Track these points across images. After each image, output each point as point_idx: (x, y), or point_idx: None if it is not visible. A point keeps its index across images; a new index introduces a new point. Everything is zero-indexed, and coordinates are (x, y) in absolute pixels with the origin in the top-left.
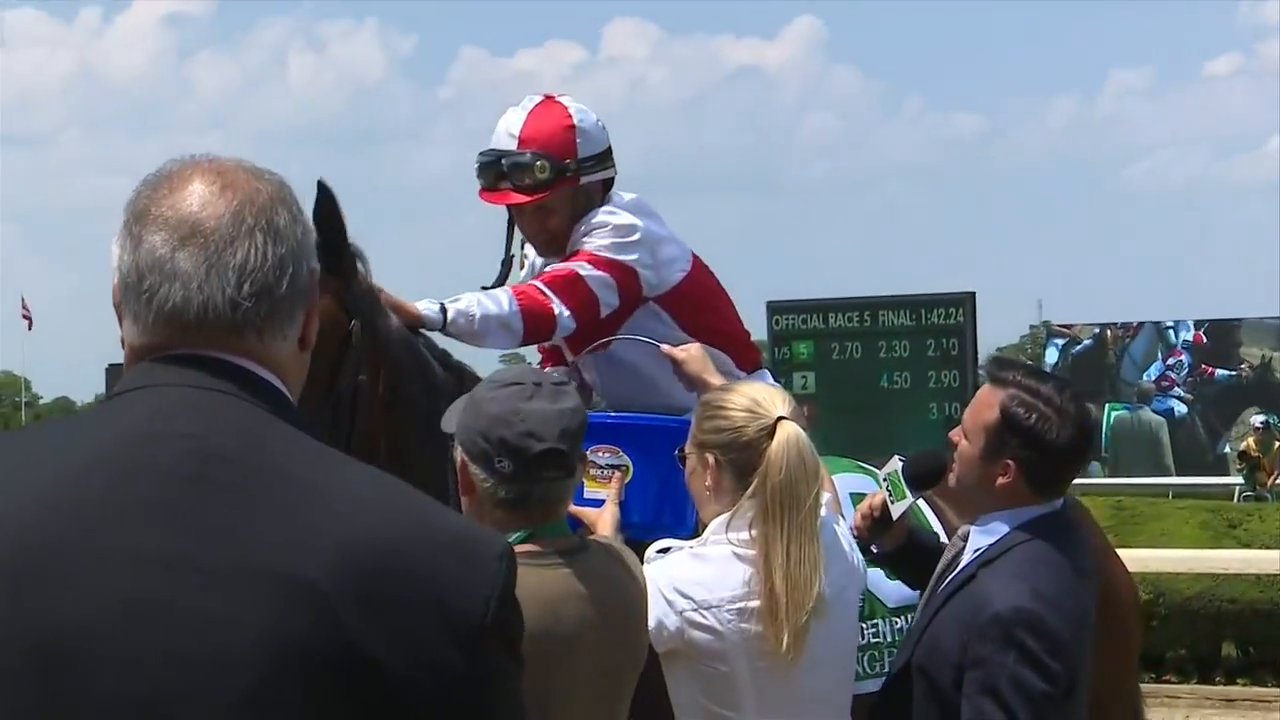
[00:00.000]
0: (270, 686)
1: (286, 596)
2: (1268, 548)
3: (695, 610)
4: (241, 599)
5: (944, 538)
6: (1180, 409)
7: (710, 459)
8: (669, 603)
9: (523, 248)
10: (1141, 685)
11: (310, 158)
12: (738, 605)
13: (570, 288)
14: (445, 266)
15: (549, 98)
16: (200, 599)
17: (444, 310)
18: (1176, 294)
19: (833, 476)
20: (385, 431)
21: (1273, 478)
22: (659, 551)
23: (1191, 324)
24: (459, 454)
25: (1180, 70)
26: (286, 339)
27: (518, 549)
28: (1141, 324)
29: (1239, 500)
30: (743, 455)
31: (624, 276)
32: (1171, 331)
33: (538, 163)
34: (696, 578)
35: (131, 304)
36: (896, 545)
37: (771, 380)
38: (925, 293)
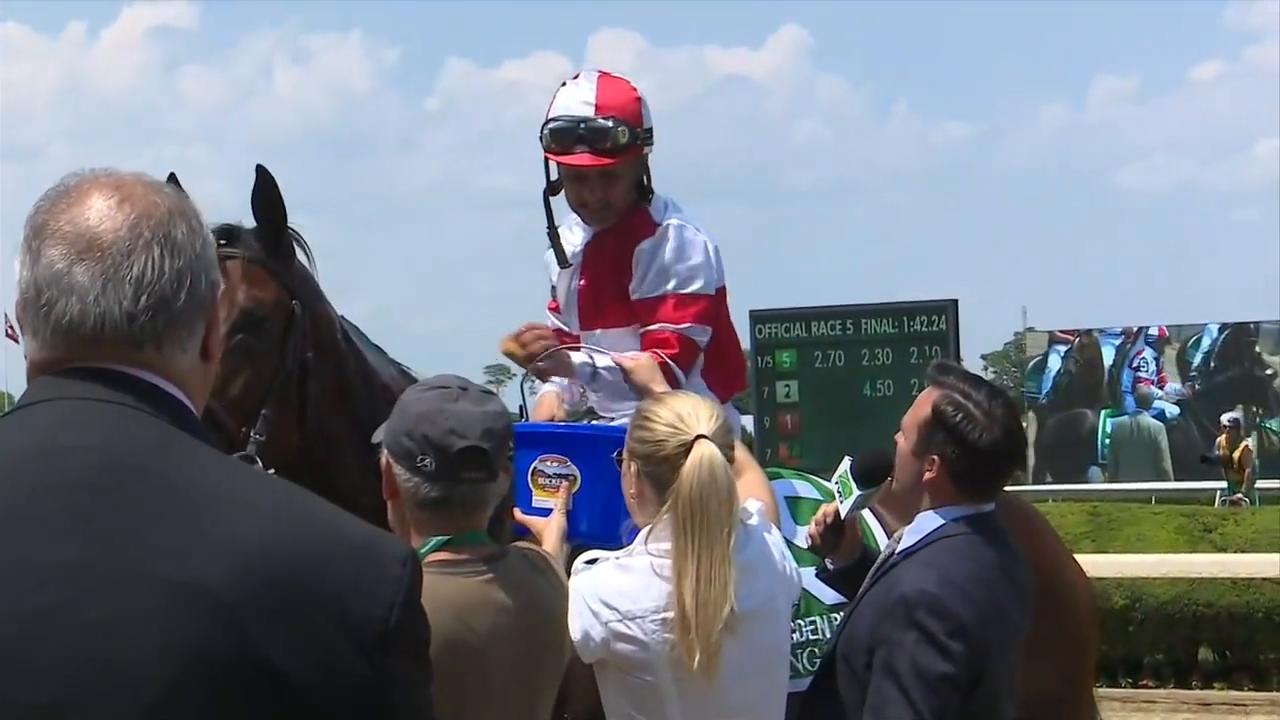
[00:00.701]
0: (174, 695)
1: (189, 605)
2: (1243, 551)
3: (620, 621)
4: (144, 608)
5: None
6: (1172, 411)
7: (633, 468)
8: (594, 614)
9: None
10: (1118, 690)
11: (298, 168)
12: (660, 616)
13: (687, 354)
14: (433, 274)
15: (605, 73)
16: (103, 608)
17: (593, 365)
18: (1162, 299)
19: (772, 484)
20: (336, 408)
21: (1246, 477)
22: (586, 563)
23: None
24: (384, 457)
25: (1166, 76)
26: (186, 351)
27: (434, 557)
28: (1141, 329)
29: (1220, 504)
30: (660, 469)
31: (709, 310)
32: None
33: (619, 128)
34: (621, 588)
35: (31, 319)
36: (849, 562)
37: (736, 415)
38: (908, 300)
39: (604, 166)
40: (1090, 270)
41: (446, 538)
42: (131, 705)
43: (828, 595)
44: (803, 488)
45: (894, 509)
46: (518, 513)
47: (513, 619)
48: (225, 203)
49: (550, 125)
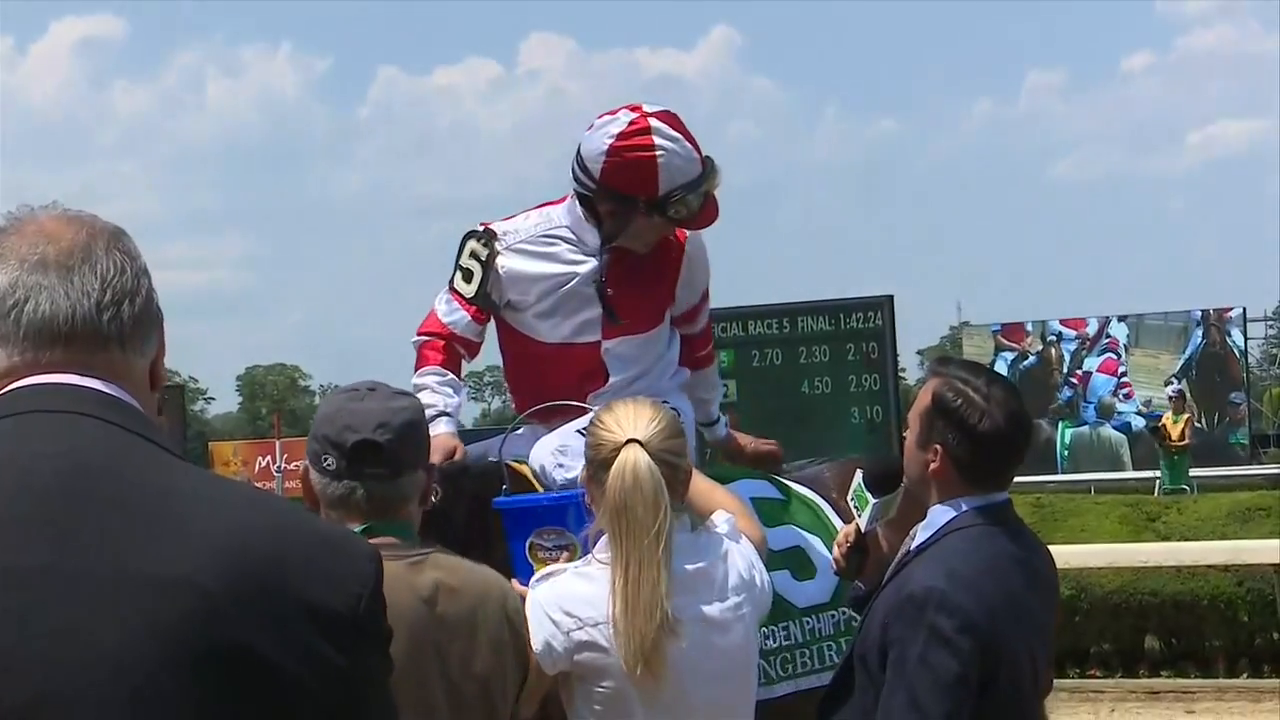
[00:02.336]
0: (157, 684)
1: (171, 598)
2: (1187, 539)
3: (581, 629)
4: (123, 603)
5: None
6: (1138, 423)
7: (587, 474)
8: (555, 623)
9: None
10: (1066, 680)
11: (230, 179)
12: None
13: None
14: (367, 283)
15: (641, 110)
16: (78, 607)
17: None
18: (1097, 291)
19: (733, 484)
20: None
21: (1180, 440)
22: (540, 578)
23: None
24: (304, 465)
25: (1097, 68)
26: (143, 357)
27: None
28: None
29: (1159, 494)
30: (600, 474)
31: None
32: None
33: (716, 165)
34: (582, 595)
35: (0, 327)
36: (876, 583)
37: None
38: (843, 297)
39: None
40: (1024, 263)
41: (366, 525)
42: (114, 694)
43: (800, 598)
44: (762, 488)
45: (910, 510)
46: (517, 584)
47: (431, 606)
48: (159, 215)
49: (687, 199)
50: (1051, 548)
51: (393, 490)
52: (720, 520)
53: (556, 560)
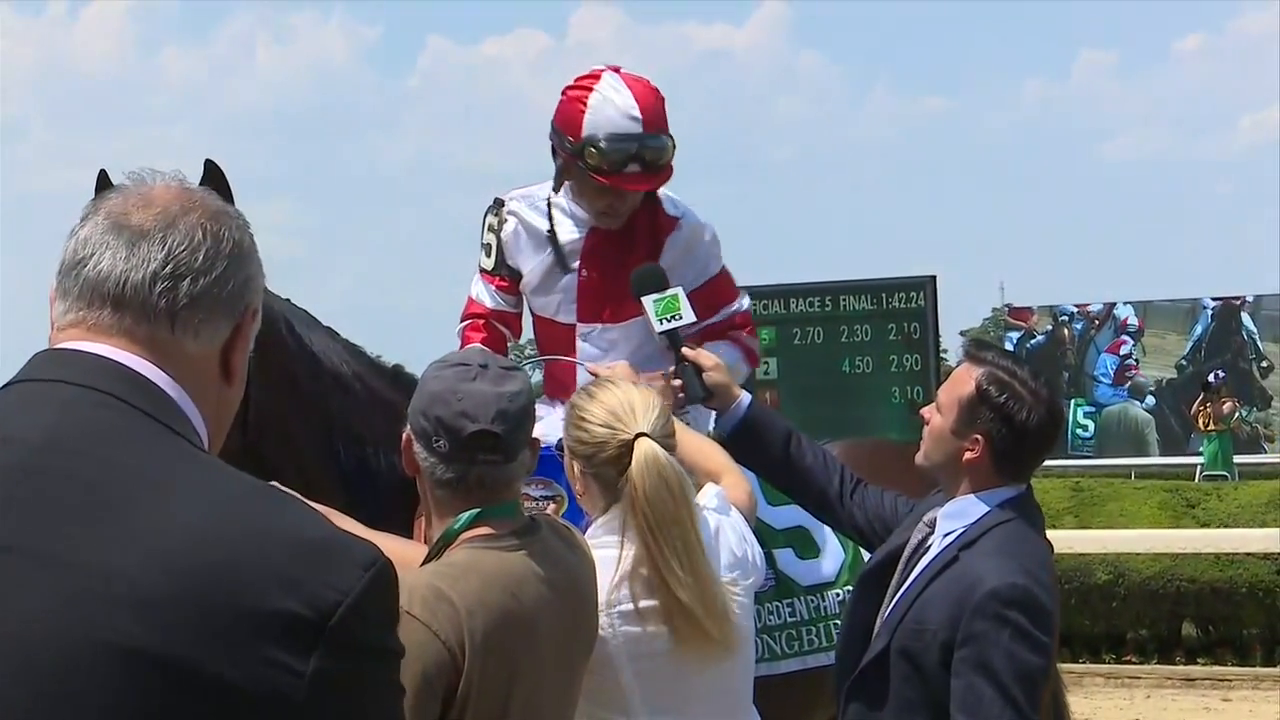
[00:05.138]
0: (79, 681)
1: (102, 593)
2: (1226, 526)
3: None
4: (54, 594)
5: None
6: (1149, 401)
7: (576, 467)
8: None
9: (497, 226)
10: (1102, 665)
11: (278, 147)
12: (617, 609)
13: (752, 325)
14: (414, 253)
15: (625, 74)
16: (14, 593)
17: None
18: (1143, 275)
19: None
20: (277, 409)
21: (1208, 423)
22: None
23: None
24: (406, 432)
25: (1149, 49)
26: (198, 338)
27: (471, 532)
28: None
29: (1199, 480)
30: (605, 470)
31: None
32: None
33: (670, 144)
34: None
35: (63, 281)
36: (733, 423)
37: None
38: (886, 277)
39: (657, 186)
40: (1069, 245)
41: (477, 511)
42: (36, 688)
43: (804, 576)
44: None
45: (909, 483)
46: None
47: (553, 590)
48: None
49: (600, 145)
50: (1090, 532)
51: (504, 474)
52: (708, 495)
53: (543, 510)
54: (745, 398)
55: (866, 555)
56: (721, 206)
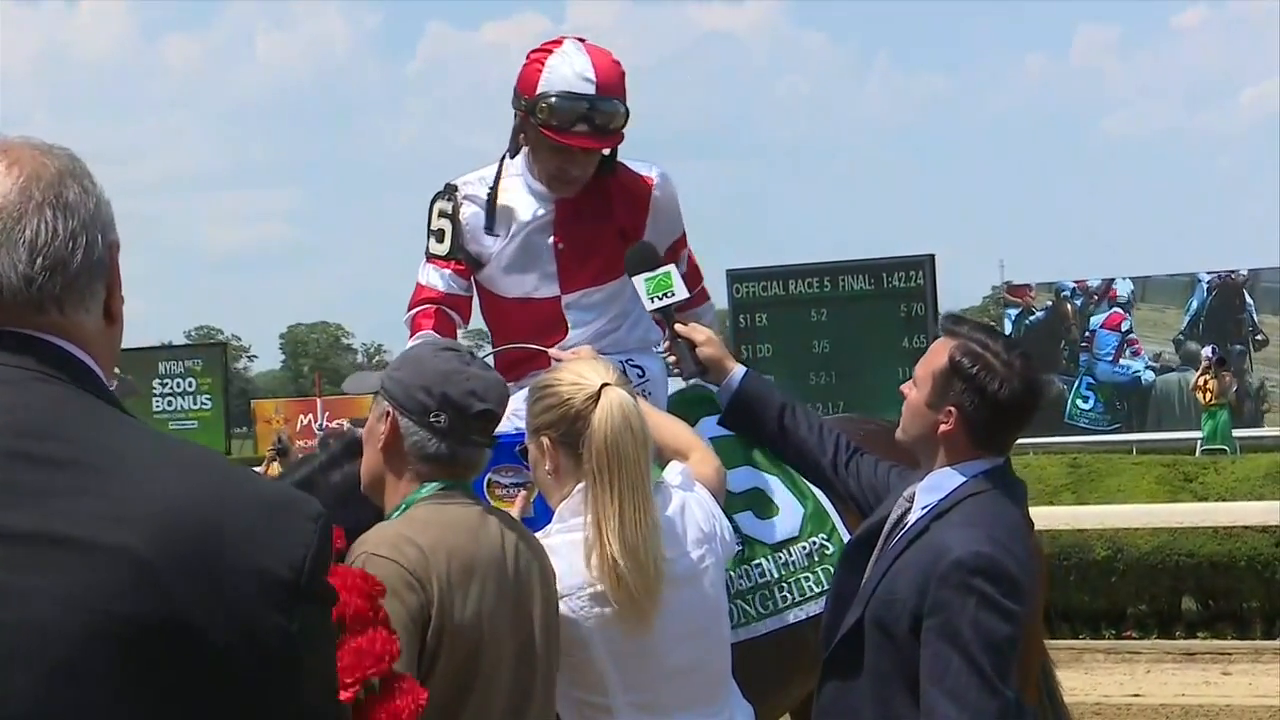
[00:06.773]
0: (82, 652)
1: (105, 565)
2: (1224, 500)
3: None
4: (56, 568)
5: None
6: (1147, 377)
7: (545, 441)
8: None
9: (451, 211)
10: (1102, 641)
11: (279, 134)
12: (589, 590)
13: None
14: (415, 242)
15: (588, 43)
16: (12, 570)
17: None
18: (1142, 250)
19: (698, 424)
20: None
21: (1210, 397)
22: None
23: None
24: (386, 407)
25: (1149, 23)
26: (89, 312)
27: (436, 493)
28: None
29: (1198, 454)
30: (573, 428)
31: None
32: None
33: (621, 109)
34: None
35: None
36: (728, 396)
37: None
38: (885, 256)
39: (604, 147)
40: (1070, 221)
41: (443, 483)
42: (38, 663)
43: (769, 535)
44: (720, 428)
45: (892, 455)
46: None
47: (515, 533)
48: (208, 168)
49: (550, 101)
50: (1088, 508)
51: (481, 457)
52: (672, 473)
53: (513, 500)
54: (739, 370)
55: (828, 505)
56: (720, 186)
